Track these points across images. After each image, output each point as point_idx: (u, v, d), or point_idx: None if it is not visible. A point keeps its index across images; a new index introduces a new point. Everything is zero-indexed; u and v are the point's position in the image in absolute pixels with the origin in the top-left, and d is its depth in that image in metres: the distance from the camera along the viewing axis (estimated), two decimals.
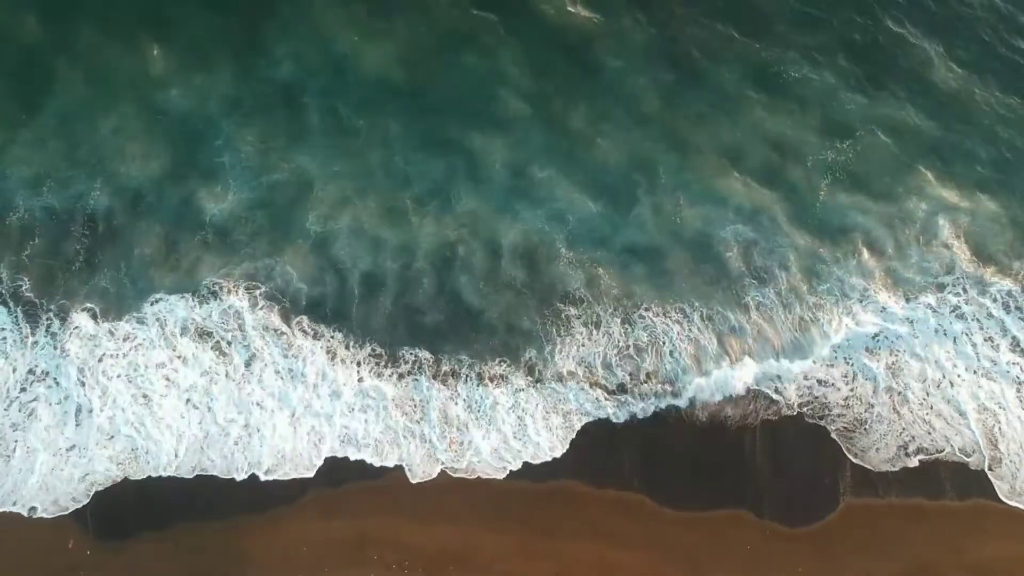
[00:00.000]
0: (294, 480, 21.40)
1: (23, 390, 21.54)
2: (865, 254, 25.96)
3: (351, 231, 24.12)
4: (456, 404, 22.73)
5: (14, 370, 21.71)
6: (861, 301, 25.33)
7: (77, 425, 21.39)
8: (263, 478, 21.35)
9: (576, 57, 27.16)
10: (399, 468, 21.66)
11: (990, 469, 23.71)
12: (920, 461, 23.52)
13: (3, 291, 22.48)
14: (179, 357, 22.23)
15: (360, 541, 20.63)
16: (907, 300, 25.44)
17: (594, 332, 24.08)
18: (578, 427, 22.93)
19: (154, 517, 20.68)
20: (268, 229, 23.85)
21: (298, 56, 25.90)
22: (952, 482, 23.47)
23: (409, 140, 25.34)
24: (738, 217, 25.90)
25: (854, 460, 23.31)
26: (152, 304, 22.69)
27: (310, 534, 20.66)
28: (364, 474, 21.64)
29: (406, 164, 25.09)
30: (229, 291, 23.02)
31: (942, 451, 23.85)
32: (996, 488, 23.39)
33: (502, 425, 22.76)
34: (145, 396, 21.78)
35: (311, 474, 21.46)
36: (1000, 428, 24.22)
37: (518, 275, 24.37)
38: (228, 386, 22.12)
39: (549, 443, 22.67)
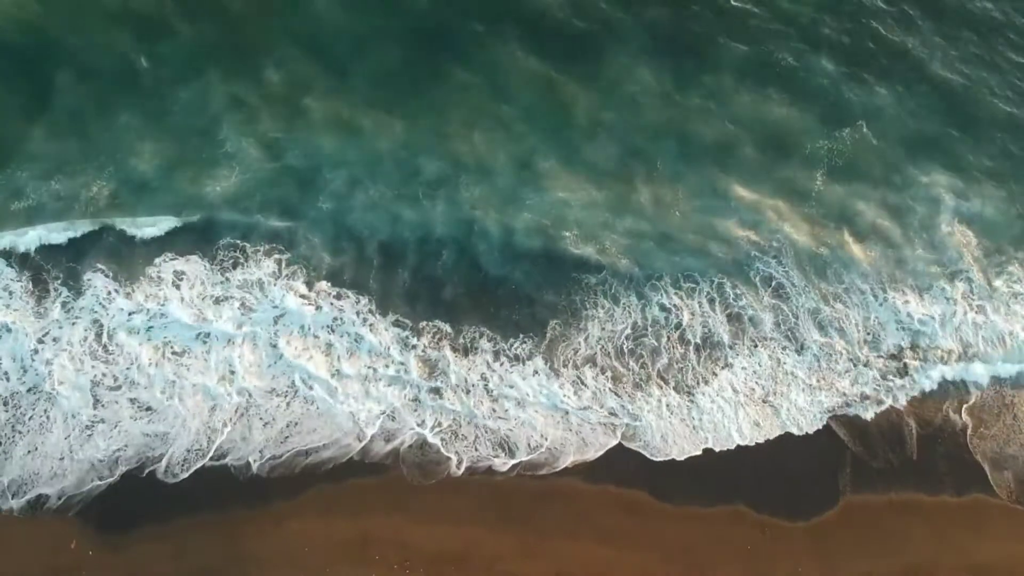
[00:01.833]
0: (295, 477, 21.38)
1: (36, 351, 21.13)
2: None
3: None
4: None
5: (26, 335, 21.29)
6: None
7: (96, 401, 21.03)
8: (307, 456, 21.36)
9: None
10: (399, 467, 21.64)
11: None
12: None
13: (11, 248, 22.06)
14: (201, 317, 22.05)
15: (362, 541, 20.63)
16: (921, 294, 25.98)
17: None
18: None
19: (156, 517, 20.57)
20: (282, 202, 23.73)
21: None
22: (952, 478, 23.61)
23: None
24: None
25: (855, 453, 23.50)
26: (165, 263, 22.46)
27: (312, 534, 20.64)
28: (364, 472, 21.61)
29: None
30: (248, 254, 22.91)
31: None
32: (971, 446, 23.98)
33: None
34: (175, 353, 21.65)
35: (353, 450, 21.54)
36: None
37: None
38: (256, 355, 22.03)
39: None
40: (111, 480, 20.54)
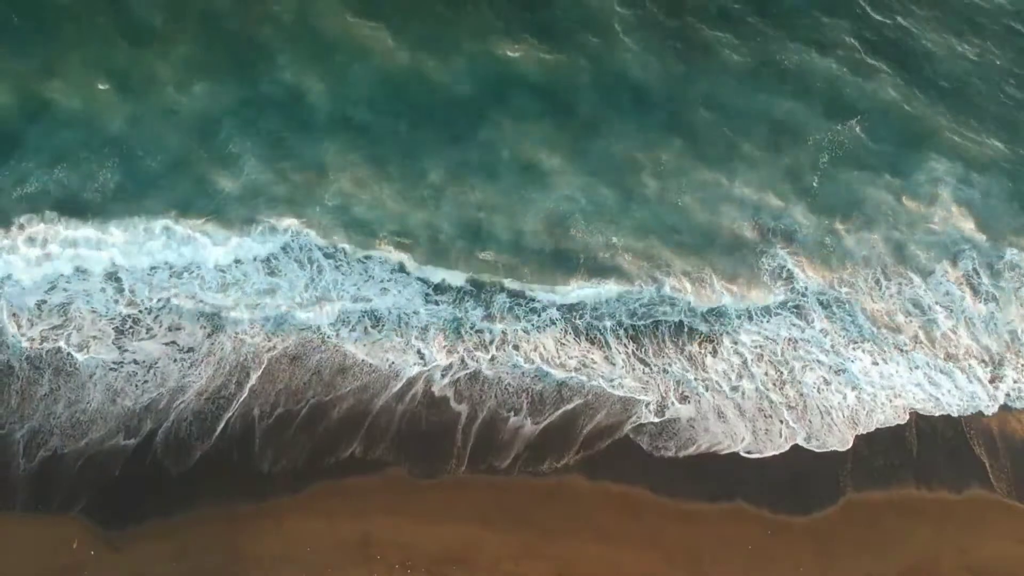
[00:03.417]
0: (297, 475, 21.29)
1: (44, 302, 20.66)
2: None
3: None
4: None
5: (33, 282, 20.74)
6: None
7: (120, 351, 20.85)
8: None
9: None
10: (400, 466, 21.61)
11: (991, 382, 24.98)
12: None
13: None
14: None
15: (363, 540, 20.65)
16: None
17: None
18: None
19: (158, 517, 20.56)
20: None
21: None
22: (952, 476, 23.70)
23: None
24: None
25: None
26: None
27: (313, 533, 20.66)
28: (366, 470, 21.56)
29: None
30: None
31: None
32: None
33: None
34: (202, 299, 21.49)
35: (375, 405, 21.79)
36: None
37: None
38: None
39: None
40: (134, 442, 20.52)
